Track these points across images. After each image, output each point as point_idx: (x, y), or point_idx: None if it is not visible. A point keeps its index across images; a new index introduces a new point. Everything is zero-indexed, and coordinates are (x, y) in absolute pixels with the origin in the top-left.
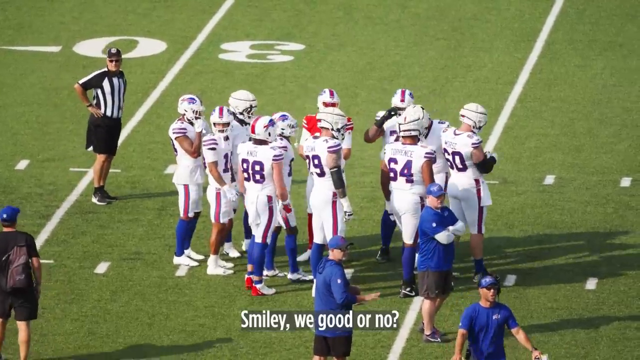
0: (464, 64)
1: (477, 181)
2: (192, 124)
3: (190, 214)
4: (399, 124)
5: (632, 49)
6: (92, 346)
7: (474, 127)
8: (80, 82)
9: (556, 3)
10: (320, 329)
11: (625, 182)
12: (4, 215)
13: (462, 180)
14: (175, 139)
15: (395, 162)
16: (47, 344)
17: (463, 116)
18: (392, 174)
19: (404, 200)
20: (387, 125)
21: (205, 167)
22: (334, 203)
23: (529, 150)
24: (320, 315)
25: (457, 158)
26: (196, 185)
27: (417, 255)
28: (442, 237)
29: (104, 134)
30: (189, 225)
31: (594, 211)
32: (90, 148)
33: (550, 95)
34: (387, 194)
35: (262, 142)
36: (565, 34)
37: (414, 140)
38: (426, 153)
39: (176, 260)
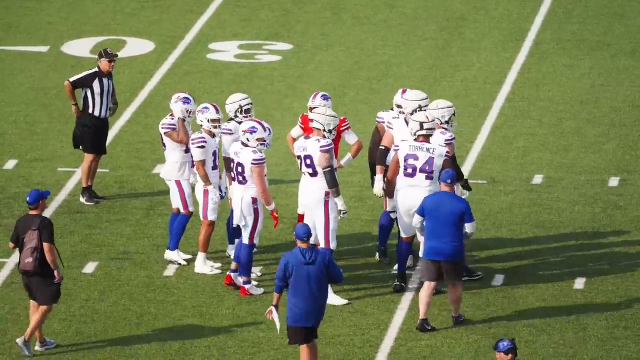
0: (452, 64)
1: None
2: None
3: (191, 208)
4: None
5: (620, 48)
6: (81, 346)
7: (442, 124)
8: (71, 80)
9: (544, 3)
10: (308, 322)
11: (614, 182)
12: (27, 199)
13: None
14: (165, 134)
15: (416, 158)
16: (35, 344)
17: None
18: (410, 170)
19: (419, 198)
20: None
21: (193, 164)
22: (326, 203)
23: (517, 150)
24: (317, 307)
25: None
26: (186, 181)
27: (422, 245)
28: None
29: (91, 134)
30: (187, 220)
31: (582, 211)
32: (80, 148)
33: (538, 95)
34: (392, 190)
35: (247, 145)
36: (553, 33)
37: (428, 138)
38: (447, 152)
39: (168, 254)
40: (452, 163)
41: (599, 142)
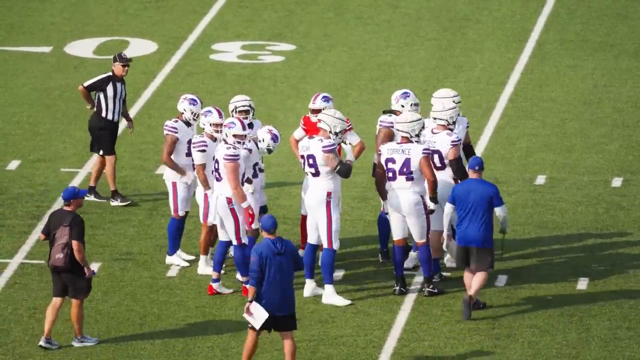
0: (455, 65)
1: (454, 180)
2: (187, 124)
3: (181, 213)
4: (396, 124)
5: (623, 49)
6: (83, 347)
7: (448, 125)
8: (85, 84)
9: (547, 3)
10: (280, 310)
11: (617, 182)
12: (63, 194)
13: (440, 178)
14: (165, 135)
15: (393, 161)
16: (38, 344)
17: (435, 118)
18: (390, 174)
19: (406, 200)
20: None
21: (194, 168)
22: (328, 203)
23: (520, 150)
24: (287, 297)
25: (435, 156)
26: (184, 184)
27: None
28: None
29: (109, 136)
30: (180, 224)
31: (585, 211)
32: (101, 152)
33: (541, 95)
34: (384, 194)
35: (226, 142)
36: (556, 34)
37: (408, 139)
38: (423, 150)
39: (168, 259)
40: (457, 164)
41: (602, 143)
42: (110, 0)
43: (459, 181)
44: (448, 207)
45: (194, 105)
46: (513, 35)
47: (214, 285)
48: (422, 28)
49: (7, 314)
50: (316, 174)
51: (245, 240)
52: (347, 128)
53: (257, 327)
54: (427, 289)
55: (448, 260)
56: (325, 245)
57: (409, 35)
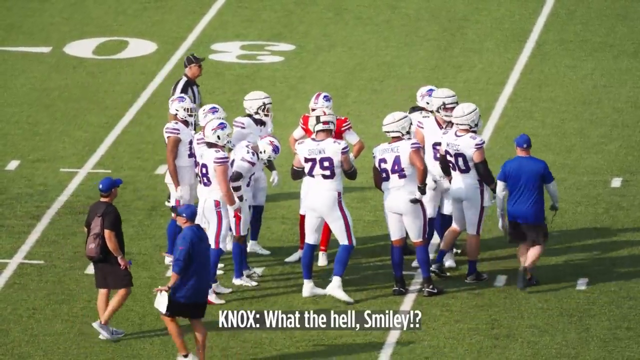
0: (454, 65)
1: (480, 182)
2: (185, 124)
3: None
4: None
5: (623, 49)
6: (83, 346)
7: (470, 129)
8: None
9: (546, 4)
10: (203, 297)
11: (616, 182)
12: (100, 186)
13: (466, 181)
14: (167, 137)
15: (385, 161)
16: (37, 344)
17: (458, 124)
18: (383, 174)
19: (401, 200)
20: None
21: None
22: (339, 203)
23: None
24: (208, 284)
25: (460, 159)
26: (187, 186)
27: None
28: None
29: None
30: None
31: (585, 211)
32: None
33: (540, 95)
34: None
35: (212, 145)
36: (555, 34)
37: (399, 139)
38: (412, 144)
39: (167, 260)
40: (483, 167)
41: (602, 143)
42: (109, 1)
43: (484, 184)
44: (500, 185)
45: (182, 101)
46: (512, 35)
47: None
48: (421, 28)
49: (6, 314)
50: (330, 175)
51: (222, 246)
52: (346, 127)
53: (163, 311)
54: (427, 289)
55: (447, 259)
56: (345, 242)
57: (408, 36)
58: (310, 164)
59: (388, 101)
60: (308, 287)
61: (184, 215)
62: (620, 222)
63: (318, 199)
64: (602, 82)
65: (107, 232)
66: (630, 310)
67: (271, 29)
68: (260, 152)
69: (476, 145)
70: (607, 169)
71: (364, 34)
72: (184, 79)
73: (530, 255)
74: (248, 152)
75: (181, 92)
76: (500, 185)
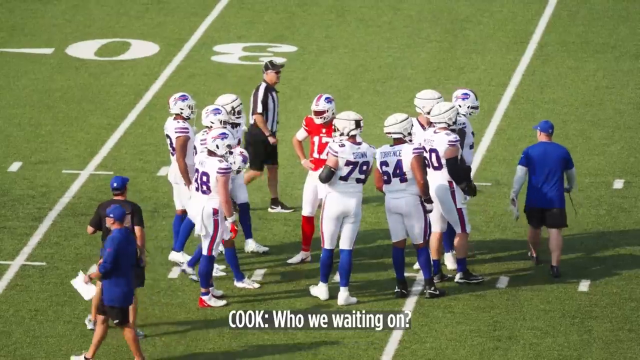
0: (456, 66)
1: (450, 183)
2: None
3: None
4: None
5: (625, 50)
6: (85, 348)
7: (448, 127)
8: (259, 110)
9: (549, 5)
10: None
11: (618, 184)
12: (114, 184)
13: (437, 181)
14: (177, 137)
15: (387, 164)
16: (39, 346)
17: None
18: (385, 177)
19: (403, 201)
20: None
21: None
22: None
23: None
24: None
25: (433, 155)
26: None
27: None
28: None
29: (274, 147)
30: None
31: (587, 213)
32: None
33: (542, 97)
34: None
35: (213, 154)
36: (557, 35)
37: (401, 141)
38: (414, 149)
39: (173, 255)
40: (454, 164)
41: (604, 144)
42: (111, 2)
43: (454, 183)
44: (520, 170)
45: (186, 100)
46: (514, 36)
47: (204, 298)
48: (423, 30)
49: (8, 315)
50: (364, 180)
51: (215, 253)
52: None
53: (87, 298)
54: (429, 291)
55: (448, 259)
56: (350, 247)
57: (411, 37)
58: (351, 167)
59: (390, 103)
60: (344, 296)
61: (112, 216)
62: (622, 224)
63: (351, 202)
64: (604, 84)
65: (139, 229)
66: (632, 312)
67: (273, 30)
68: (231, 164)
69: (449, 142)
70: (609, 170)
71: (366, 36)
72: (264, 84)
73: (555, 248)
74: (221, 162)
75: (262, 98)
76: (521, 170)
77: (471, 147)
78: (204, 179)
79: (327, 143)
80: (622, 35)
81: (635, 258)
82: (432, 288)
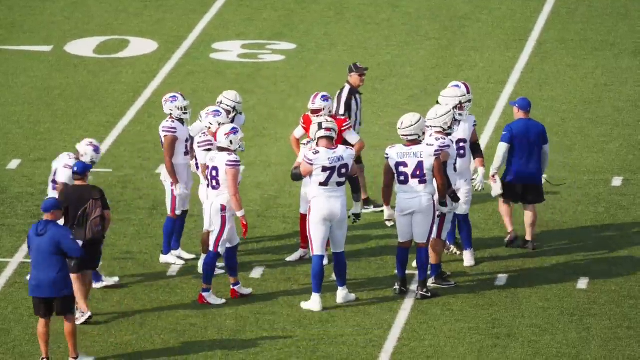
0: (455, 64)
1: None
2: (181, 122)
3: (178, 212)
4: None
5: (624, 48)
6: (84, 346)
7: (444, 132)
8: (341, 112)
9: (547, 2)
10: (43, 292)
11: (617, 181)
12: (75, 168)
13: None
14: (164, 137)
15: (405, 165)
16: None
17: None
18: (402, 177)
19: (417, 200)
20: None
21: (197, 167)
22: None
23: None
24: (47, 279)
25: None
26: (184, 183)
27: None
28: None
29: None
30: (176, 224)
31: (586, 210)
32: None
33: (541, 94)
34: (387, 198)
35: (224, 150)
36: (556, 33)
37: (416, 142)
38: (435, 151)
39: (162, 258)
40: (441, 170)
41: (602, 142)
42: (110, 0)
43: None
44: (503, 147)
45: (175, 101)
46: (513, 34)
47: (204, 295)
48: (422, 27)
49: (7, 313)
50: (344, 182)
51: (221, 250)
52: (346, 127)
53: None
54: (420, 292)
55: (466, 256)
56: (342, 249)
57: (409, 34)
58: (328, 172)
59: (389, 100)
60: (343, 294)
61: (42, 207)
62: (621, 221)
63: (336, 205)
64: (603, 81)
65: (108, 213)
66: (631, 310)
67: (272, 28)
68: (82, 155)
69: (439, 147)
70: (607, 168)
71: (364, 33)
72: (347, 86)
73: (531, 222)
74: (70, 158)
75: (346, 100)
76: (504, 147)
77: (455, 169)
78: (214, 173)
79: None
80: (621, 32)
81: (633, 256)
82: (424, 290)
